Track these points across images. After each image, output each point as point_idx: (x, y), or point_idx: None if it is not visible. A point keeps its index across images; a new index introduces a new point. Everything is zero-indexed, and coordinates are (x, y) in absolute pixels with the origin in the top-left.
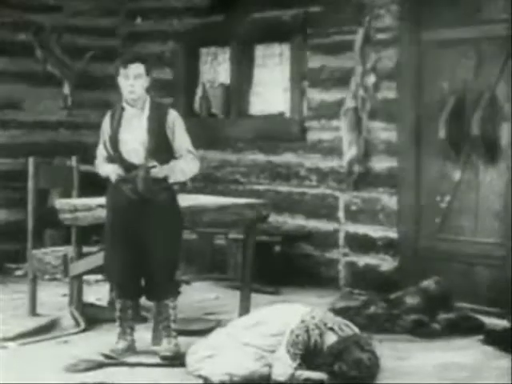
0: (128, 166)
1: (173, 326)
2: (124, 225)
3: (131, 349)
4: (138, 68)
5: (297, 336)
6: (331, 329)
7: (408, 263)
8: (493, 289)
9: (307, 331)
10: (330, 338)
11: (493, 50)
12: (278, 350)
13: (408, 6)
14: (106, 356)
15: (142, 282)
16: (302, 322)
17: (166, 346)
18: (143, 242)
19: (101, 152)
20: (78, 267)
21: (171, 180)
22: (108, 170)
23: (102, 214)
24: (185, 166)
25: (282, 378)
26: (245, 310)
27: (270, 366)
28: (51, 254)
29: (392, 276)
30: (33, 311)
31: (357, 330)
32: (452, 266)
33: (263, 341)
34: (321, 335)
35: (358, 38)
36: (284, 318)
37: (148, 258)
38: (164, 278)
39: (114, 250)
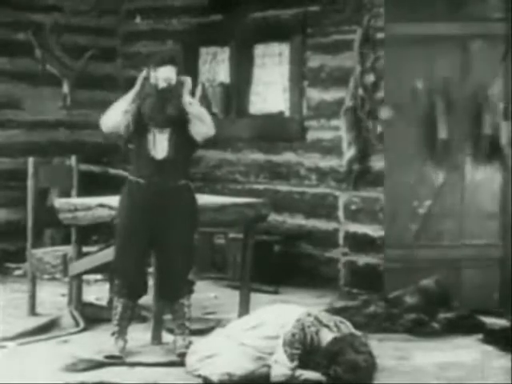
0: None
1: (187, 324)
2: (142, 223)
3: (125, 348)
4: (169, 71)
5: (293, 335)
6: (327, 326)
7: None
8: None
9: (303, 329)
10: (327, 336)
11: (484, 49)
12: (276, 352)
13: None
14: (110, 357)
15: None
16: (298, 320)
17: (181, 343)
18: (161, 241)
19: (123, 107)
20: (77, 267)
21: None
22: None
23: (102, 213)
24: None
25: (280, 379)
26: (244, 309)
27: (268, 366)
28: (51, 254)
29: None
30: (32, 311)
31: (353, 328)
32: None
33: (261, 343)
34: (317, 332)
35: (357, 37)
36: (281, 319)
37: (165, 257)
38: (180, 278)
39: (127, 249)
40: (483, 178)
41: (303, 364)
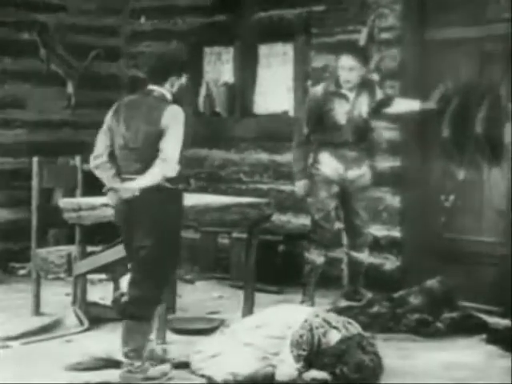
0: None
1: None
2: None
3: None
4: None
5: (300, 336)
6: (335, 327)
7: (412, 262)
8: (496, 288)
9: (311, 330)
10: (334, 337)
11: (496, 50)
12: (282, 352)
13: (411, 5)
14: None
15: None
16: (306, 321)
17: (159, 354)
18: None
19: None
20: (81, 266)
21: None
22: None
23: (106, 213)
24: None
25: (285, 379)
26: (248, 309)
27: (273, 366)
28: (55, 253)
29: (395, 275)
30: (36, 310)
31: (360, 329)
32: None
33: (266, 342)
34: (324, 334)
35: (362, 37)
36: (287, 319)
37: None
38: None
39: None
40: (496, 178)
41: (309, 364)
